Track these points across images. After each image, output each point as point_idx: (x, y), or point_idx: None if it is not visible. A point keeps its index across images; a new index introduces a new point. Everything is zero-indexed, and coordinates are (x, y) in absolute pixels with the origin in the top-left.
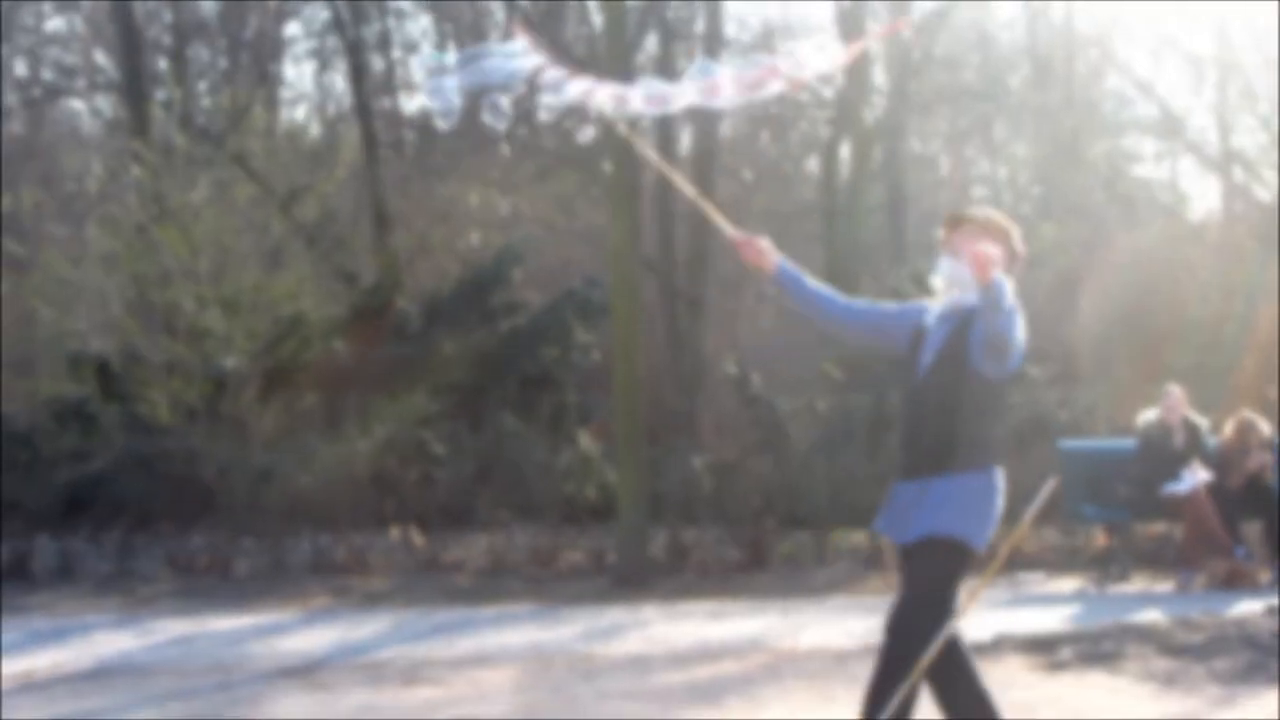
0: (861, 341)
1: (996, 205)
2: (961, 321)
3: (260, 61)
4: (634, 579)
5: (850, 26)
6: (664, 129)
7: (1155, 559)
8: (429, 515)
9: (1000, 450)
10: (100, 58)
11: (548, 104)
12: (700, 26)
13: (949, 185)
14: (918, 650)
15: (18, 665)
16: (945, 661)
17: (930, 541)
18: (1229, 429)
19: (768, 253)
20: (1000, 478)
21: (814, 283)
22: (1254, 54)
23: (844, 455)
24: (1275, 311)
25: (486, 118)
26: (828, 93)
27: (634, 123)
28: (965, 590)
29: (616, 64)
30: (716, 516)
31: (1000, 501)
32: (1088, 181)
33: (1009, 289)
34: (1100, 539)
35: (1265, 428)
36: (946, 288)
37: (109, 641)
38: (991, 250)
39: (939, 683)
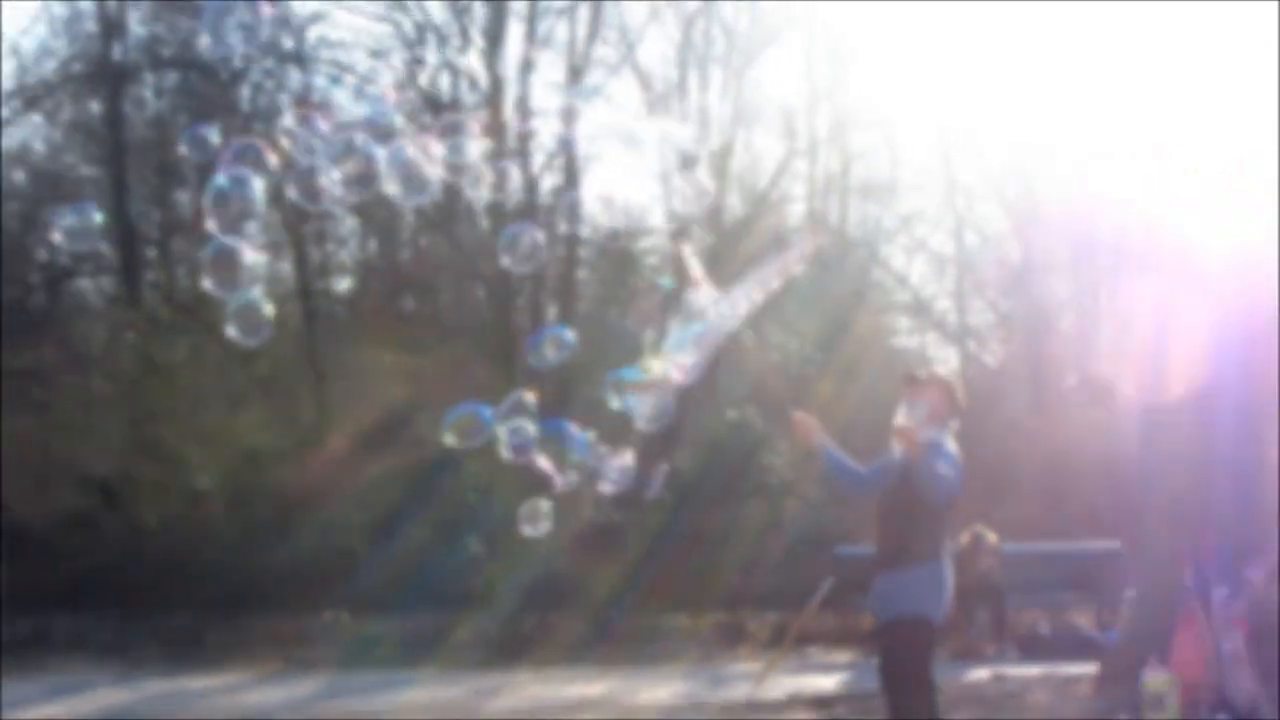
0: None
1: (788, 370)
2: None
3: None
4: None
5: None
6: None
7: None
8: (356, 600)
9: (943, 547)
10: (104, 247)
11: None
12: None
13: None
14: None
15: (38, 714)
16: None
17: (901, 621)
18: (964, 538)
19: (815, 433)
20: (946, 567)
21: (846, 459)
22: (984, 253)
23: None
24: (999, 448)
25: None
26: None
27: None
28: (765, 660)
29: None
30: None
31: (949, 582)
32: (857, 351)
33: (942, 443)
34: (866, 623)
35: (991, 537)
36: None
37: (108, 696)
38: (910, 426)
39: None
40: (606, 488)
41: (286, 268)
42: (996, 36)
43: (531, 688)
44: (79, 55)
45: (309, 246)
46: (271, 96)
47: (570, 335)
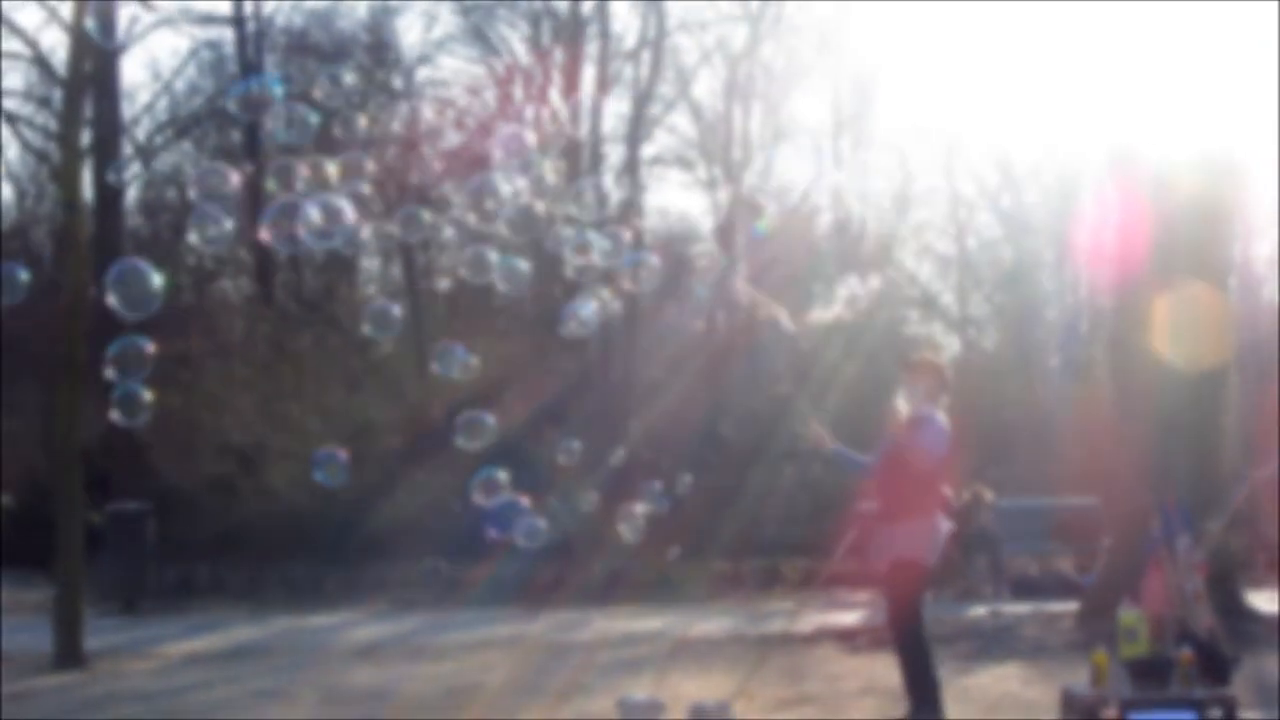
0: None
1: (816, 354)
2: (909, 428)
3: (346, 256)
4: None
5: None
6: None
7: None
8: (451, 549)
9: (938, 502)
10: (242, 253)
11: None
12: None
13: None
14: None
15: (184, 648)
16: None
17: (898, 564)
18: (965, 495)
19: (825, 439)
20: (937, 521)
21: (849, 452)
22: (981, 254)
23: None
24: (994, 420)
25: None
26: None
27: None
28: (796, 600)
29: None
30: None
31: (943, 530)
32: (874, 338)
33: (934, 416)
34: (882, 568)
35: (988, 495)
36: (905, 406)
37: (243, 632)
38: (897, 413)
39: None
40: (629, 532)
41: (397, 270)
42: (992, 70)
43: (600, 623)
44: (223, 92)
45: (415, 252)
46: (384, 128)
47: (465, 355)
